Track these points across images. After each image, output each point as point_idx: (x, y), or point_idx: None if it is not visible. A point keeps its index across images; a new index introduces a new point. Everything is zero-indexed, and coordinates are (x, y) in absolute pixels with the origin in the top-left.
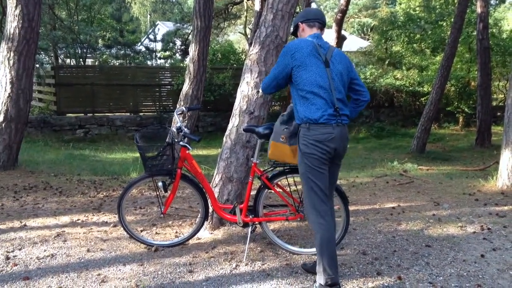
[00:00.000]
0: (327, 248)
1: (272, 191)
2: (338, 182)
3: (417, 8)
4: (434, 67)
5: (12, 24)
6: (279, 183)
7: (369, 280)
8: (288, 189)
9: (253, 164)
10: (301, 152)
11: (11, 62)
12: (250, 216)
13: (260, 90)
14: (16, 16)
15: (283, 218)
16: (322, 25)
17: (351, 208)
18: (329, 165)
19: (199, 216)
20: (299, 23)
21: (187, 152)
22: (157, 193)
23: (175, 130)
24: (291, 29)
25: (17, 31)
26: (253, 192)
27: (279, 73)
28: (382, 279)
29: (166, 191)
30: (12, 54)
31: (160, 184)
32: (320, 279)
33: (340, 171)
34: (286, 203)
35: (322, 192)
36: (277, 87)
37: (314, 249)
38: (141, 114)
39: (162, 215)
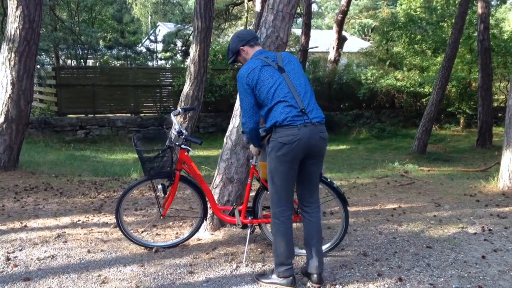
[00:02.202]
0: (287, 247)
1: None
2: (338, 183)
3: (418, 9)
4: (435, 68)
5: (13, 25)
6: None
7: (369, 281)
8: None
9: (252, 166)
10: (268, 153)
11: (12, 63)
12: (249, 218)
13: (244, 135)
14: (17, 17)
15: None
16: (258, 42)
17: (352, 209)
18: (301, 165)
19: (197, 217)
20: (240, 48)
21: (186, 154)
22: (157, 195)
23: (176, 133)
24: (232, 58)
25: (18, 32)
26: (253, 194)
27: (249, 101)
28: (382, 280)
29: (165, 193)
30: (13, 55)
31: (159, 186)
32: (277, 274)
33: (341, 172)
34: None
35: (284, 193)
36: (257, 113)
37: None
38: (141, 115)
39: (161, 217)
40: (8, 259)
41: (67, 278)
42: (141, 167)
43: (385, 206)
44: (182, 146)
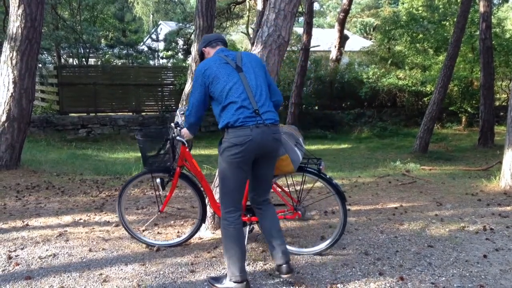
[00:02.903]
0: (238, 249)
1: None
2: (340, 181)
3: (420, 8)
4: (437, 67)
5: (14, 23)
6: (277, 182)
7: (371, 280)
8: (288, 189)
9: None
10: (220, 153)
11: (14, 61)
12: (248, 215)
13: (186, 124)
14: (19, 16)
15: (281, 217)
16: (224, 43)
17: (353, 208)
18: (254, 166)
19: (197, 217)
20: (203, 49)
21: (187, 150)
22: (156, 190)
23: (173, 125)
24: (199, 59)
25: (19, 30)
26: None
27: (200, 96)
28: (384, 279)
29: (164, 188)
30: (14, 53)
31: (158, 181)
32: (230, 277)
33: (342, 171)
34: (284, 202)
35: (234, 194)
36: (205, 107)
37: (312, 249)
38: (143, 113)
39: (159, 213)
40: (9, 257)
41: (68, 276)
42: (142, 160)
43: (386, 205)
44: (178, 137)
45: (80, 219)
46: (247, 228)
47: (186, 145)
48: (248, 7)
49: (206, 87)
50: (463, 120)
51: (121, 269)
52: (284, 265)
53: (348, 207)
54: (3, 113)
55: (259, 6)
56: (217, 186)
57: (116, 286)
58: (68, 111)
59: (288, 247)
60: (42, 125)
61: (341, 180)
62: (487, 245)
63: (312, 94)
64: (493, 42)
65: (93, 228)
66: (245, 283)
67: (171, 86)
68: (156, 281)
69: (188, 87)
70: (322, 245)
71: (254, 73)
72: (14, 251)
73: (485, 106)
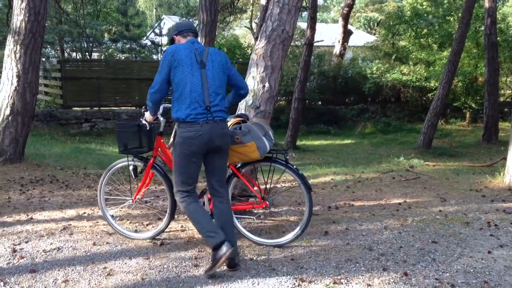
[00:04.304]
0: (200, 216)
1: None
2: (343, 177)
3: (424, 3)
4: (441, 62)
5: (18, 17)
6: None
7: (375, 275)
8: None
9: None
10: (175, 146)
11: (18, 55)
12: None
13: (148, 101)
14: (23, 10)
15: (250, 206)
16: (195, 34)
17: (357, 203)
18: (204, 158)
19: (167, 211)
20: (174, 36)
21: (162, 141)
22: (131, 178)
23: (143, 111)
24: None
25: (23, 24)
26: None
27: (165, 75)
28: (388, 275)
29: (136, 176)
30: (18, 47)
31: (131, 168)
32: (212, 245)
33: (346, 167)
34: (252, 191)
35: (185, 182)
36: (164, 90)
37: (277, 240)
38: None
39: (132, 202)
40: (14, 251)
41: (72, 270)
42: (118, 144)
43: (390, 200)
44: (143, 121)
45: (84, 213)
46: None
47: (162, 136)
48: (252, 1)
49: (170, 69)
50: (467, 116)
51: (125, 263)
52: (228, 260)
53: (352, 202)
54: (7, 107)
55: (263, 1)
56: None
57: (120, 279)
58: (72, 105)
59: (254, 237)
60: (45, 119)
61: (344, 176)
62: (492, 241)
63: (315, 89)
64: (498, 38)
65: (97, 222)
66: (227, 242)
67: None
68: (160, 275)
69: None
70: (289, 236)
71: (215, 73)
72: (19, 244)
73: (490, 102)
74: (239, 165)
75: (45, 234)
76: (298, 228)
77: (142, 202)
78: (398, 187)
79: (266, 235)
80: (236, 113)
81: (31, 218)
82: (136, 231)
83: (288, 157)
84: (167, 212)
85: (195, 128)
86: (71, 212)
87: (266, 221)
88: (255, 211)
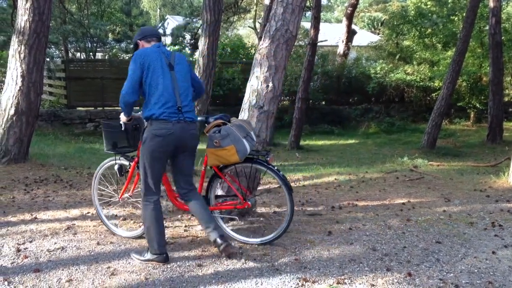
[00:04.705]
0: (157, 227)
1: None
2: (347, 177)
3: (429, 2)
4: (445, 62)
5: (23, 17)
6: (229, 173)
7: (378, 276)
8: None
9: (205, 155)
10: (143, 142)
11: (22, 55)
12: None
13: (121, 103)
14: (27, 10)
15: (232, 206)
16: (159, 39)
17: (360, 203)
18: (174, 159)
19: None
20: (138, 41)
21: None
22: (118, 176)
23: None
24: (133, 49)
25: (28, 24)
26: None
27: (137, 77)
28: (392, 275)
29: (121, 175)
30: (23, 47)
31: (116, 167)
32: (151, 251)
33: (350, 167)
34: (235, 192)
35: (153, 180)
36: (136, 92)
37: (259, 239)
38: None
39: (119, 200)
40: (18, 250)
41: (76, 269)
42: (104, 143)
43: (394, 200)
44: (121, 122)
45: (88, 212)
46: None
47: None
48: (255, 1)
49: (142, 71)
50: (472, 115)
51: (129, 263)
52: (220, 242)
53: (355, 202)
54: (12, 106)
55: (267, 1)
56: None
57: (124, 279)
58: (76, 105)
59: (236, 235)
60: (50, 119)
61: (348, 176)
62: (496, 241)
63: (319, 89)
64: (502, 38)
65: (101, 222)
66: (164, 255)
67: None
68: (164, 274)
69: None
70: (270, 236)
71: (183, 75)
72: (23, 244)
73: (494, 101)
74: (221, 166)
75: (49, 234)
76: (279, 229)
77: (128, 201)
78: (402, 187)
79: (249, 234)
80: (217, 115)
81: (35, 218)
82: (127, 230)
83: (269, 158)
84: None
85: (167, 126)
86: (75, 212)
87: (251, 221)
88: (238, 211)
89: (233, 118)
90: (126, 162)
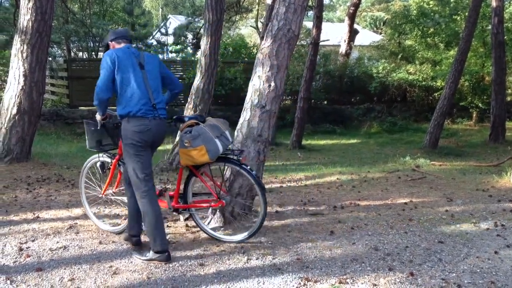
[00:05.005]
0: (156, 222)
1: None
2: (349, 177)
3: (431, 2)
4: (447, 62)
5: (25, 17)
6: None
7: (380, 275)
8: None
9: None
10: (123, 141)
11: (24, 55)
12: (181, 203)
13: (95, 100)
14: (29, 9)
15: (208, 205)
16: (129, 41)
17: (362, 203)
18: (149, 151)
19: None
20: (109, 42)
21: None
22: (100, 173)
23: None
24: (104, 50)
25: (30, 24)
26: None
27: (108, 75)
28: (394, 275)
29: (103, 172)
30: (25, 47)
31: (98, 164)
32: (153, 249)
33: (352, 166)
34: (210, 190)
35: (142, 174)
36: (109, 90)
37: (232, 237)
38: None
39: (101, 195)
40: (20, 249)
41: (79, 268)
42: (87, 140)
43: (396, 200)
44: (97, 120)
45: (95, 212)
46: (182, 217)
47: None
48: (257, 0)
49: (113, 70)
50: (474, 115)
51: (131, 262)
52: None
53: (357, 202)
54: (14, 106)
55: (269, 0)
56: (226, 180)
57: (126, 278)
58: (78, 105)
59: (213, 233)
60: (52, 118)
61: (350, 175)
62: (498, 241)
63: (321, 89)
64: (505, 37)
65: (103, 221)
66: (166, 253)
67: (180, 80)
68: (166, 274)
69: (197, 81)
70: (244, 234)
71: (154, 74)
72: (25, 243)
73: (497, 101)
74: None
75: (51, 233)
76: (252, 228)
77: (111, 197)
78: (404, 187)
79: (224, 231)
80: (193, 115)
81: (38, 217)
82: (114, 225)
83: (241, 158)
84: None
85: (144, 123)
86: (77, 211)
87: (229, 219)
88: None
89: (209, 118)
90: (108, 160)
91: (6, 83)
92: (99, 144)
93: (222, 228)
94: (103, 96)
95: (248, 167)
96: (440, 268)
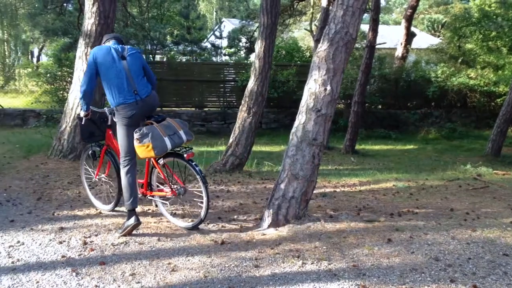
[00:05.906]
0: (133, 183)
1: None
2: (406, 184)
3: (493, 4)
4: (511, 67)
5: (89, 21)
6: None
7: (441, 286)
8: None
9: None
10: (118, 124)
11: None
12: (148, 190)
13: (80, 93)
14: (93, 13)
15: (164, 193)
16: (118, 40)
17: (421, 211)
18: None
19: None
20: (102, 43)
21: (110, 132)
22: (93, 160)
23: (107, 111)
24: None
25: (94, 27)
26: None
27: (91, 72)
28: (456, 286)
29: (95, 159)
30: (89, 49)
31: (89, 152)
32: (128, 207)
33: (408, 173)
34: (165, 180)
35: (130, 147)
36: (93, 81)
37: (186, 224)
38: (205, 109)
39: (95, 178)
40: (85, 243)
41: (139, 264)
42: (80, 133)
43: (457, 210)
44: (81, 115)
45: (149, 209)
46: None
47: (110, 128)
48: (312, 3)
49: (95, 64)
50: None
51: (188, 260)
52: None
53: (415, 210)
54: (78, 106)
55: (324, 3)
56: (281, 183)
57: (184, 276)
58: None
59: (171, 218)
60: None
61: (407, 182)
62: None
63: (376, 93)
64: None
65: (161, 219)
66: (135, 215)
67: (233, 83)
68: (222, 273)
69: (251, 83)
70: (189, 224)
71: (134, 63)
72: (89, 237)
73: None
74: (157, 158)
75: (113, 228)
76: (197, 220)
77: (102, 181)
78: (465, 196)
79: (181, 219)
80: (157, 116)
81: (100, 213)
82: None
83: (186, 154)
84: (117, 189)
85: (130, 109)
86: (137, 208)
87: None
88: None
89: (169, 118)
90: (98, 149)
91: (70, 84)
92: (91, 136)
93: (184, 217)
94: (87, 88)
95: (194, 163)
96: (505, 282)
